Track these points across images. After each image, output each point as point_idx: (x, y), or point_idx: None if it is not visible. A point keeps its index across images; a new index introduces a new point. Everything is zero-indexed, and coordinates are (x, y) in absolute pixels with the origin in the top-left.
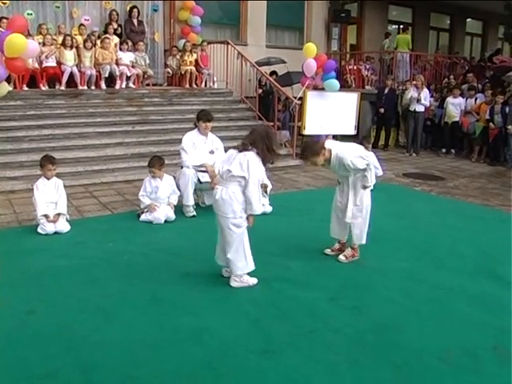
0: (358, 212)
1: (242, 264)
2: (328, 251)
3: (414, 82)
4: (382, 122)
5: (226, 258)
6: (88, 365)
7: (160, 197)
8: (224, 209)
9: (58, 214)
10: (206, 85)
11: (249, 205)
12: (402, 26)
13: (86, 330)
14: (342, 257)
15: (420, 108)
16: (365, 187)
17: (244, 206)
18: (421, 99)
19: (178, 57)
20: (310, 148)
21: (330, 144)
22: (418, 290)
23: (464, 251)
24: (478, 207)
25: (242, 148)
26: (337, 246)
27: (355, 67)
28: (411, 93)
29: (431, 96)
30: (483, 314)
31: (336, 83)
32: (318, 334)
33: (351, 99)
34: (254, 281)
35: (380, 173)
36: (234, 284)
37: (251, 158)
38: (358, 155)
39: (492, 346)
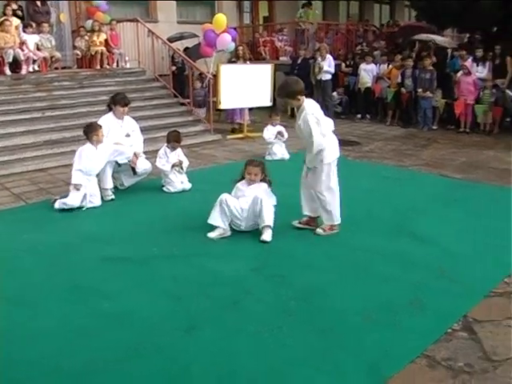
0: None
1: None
2: (296, 223)
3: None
4: None
5: None
6: (10, 360)
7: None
8: None
9: None
10: (117, 65)
11: None
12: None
13: (8, 323)
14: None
15: (326, 76)
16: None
17: None
18: (322, 67)
19: (86, 37)
20: (290, 87)
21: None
22: (338, 253)
23: (380, 212)
24: (393, 168)
25: None
26: (304, 219)
27: (269, 39)
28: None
29: (347, 65)
30: (400, 270)
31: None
32: (241, 305)
33: (265, 71)
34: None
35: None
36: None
37: None
38: (319, 125)
39: (408, 301)
